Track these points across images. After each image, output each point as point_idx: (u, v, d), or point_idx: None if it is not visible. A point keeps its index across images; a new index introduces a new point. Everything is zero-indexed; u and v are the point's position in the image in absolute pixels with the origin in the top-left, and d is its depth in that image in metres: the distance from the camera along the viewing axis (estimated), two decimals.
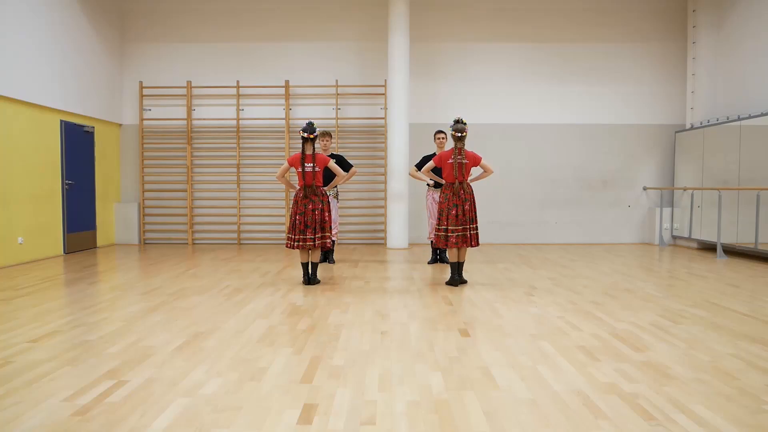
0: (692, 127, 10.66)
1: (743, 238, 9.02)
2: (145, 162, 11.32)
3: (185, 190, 11.26)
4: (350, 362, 3.71)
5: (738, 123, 9.23)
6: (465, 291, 6.22)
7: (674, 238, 11.12)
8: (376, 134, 11.26)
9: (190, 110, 11.15)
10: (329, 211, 6.45)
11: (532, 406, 2.99)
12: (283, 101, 11.19)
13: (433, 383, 3.32)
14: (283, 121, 11.18)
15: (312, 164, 6.33)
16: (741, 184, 9.10)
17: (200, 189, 11.31)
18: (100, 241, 10.58)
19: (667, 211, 11.10)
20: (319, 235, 6.37)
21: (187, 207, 11.22)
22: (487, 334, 4.43)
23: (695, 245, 10.55)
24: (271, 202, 11.31)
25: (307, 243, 6.34)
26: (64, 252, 9.43)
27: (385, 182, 10.95)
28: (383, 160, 11.14)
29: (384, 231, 11.09)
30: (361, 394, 3.16)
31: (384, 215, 11.02)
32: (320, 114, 11.20)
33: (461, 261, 6.54)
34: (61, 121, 9.38)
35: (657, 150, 11.36)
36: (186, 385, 3.29)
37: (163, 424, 2.76)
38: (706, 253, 9.74)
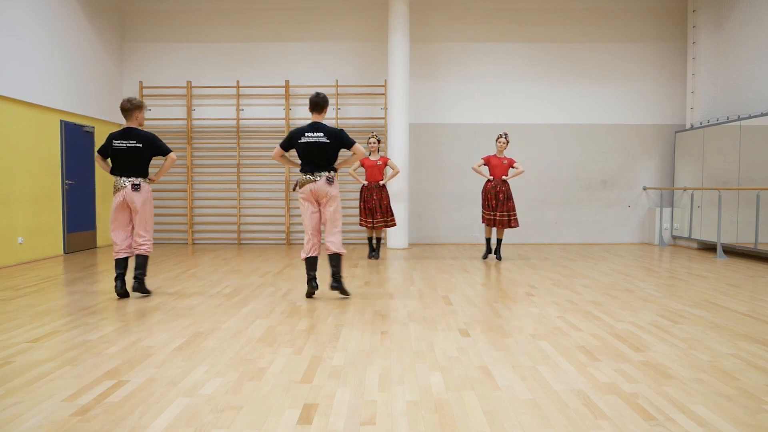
0: (692, 127, 10.66)
1: (743, 238, 9.02)
2: None
3: (185, 190, 11.26)
4: (350, 362, 3.71)
5: (738, 123, 9.23)
6: (465, 291, 6.22)
7: (674, 238, 11.12)
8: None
9: (190, 110, 11.15)
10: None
11: (532, 406, 2.99)
12: (283, 101, 11.19)
13: (433, 383, 3.32)
14: (283, 121, 11.18)
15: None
16: (741, 184, 9.10)
17: (200, 189, 11.30)
18: (100, 241, 10.58)
19: (667, 211, 11.10)
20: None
21: (187, 207, 11.22)
22: (487, 334, 4.43)
23: (695, 245, 10.55)
24: (271, 202, 11.31)
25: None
26: (64, 252, 9.43)
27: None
28: None
29: (384, 231, 11.08)
30: (361, 394, 3.15)
31: None
32: None
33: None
34: (61, 121, 9.37)
35: (657, 150, 11.36)
36: (186, 385, 3.29)
37: (163, 424, 2.76)
38: (706, 253, 9.74)
